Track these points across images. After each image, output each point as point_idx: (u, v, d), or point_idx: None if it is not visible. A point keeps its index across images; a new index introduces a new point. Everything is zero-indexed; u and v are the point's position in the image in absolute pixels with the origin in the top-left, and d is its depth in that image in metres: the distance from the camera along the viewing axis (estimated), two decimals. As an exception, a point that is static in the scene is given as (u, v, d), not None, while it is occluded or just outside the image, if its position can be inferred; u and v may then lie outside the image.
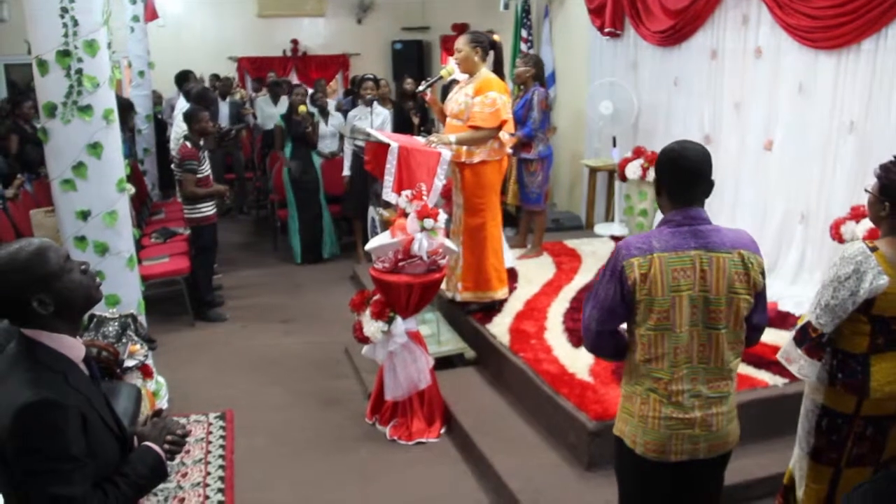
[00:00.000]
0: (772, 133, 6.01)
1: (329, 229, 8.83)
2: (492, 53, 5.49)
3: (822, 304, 2.90)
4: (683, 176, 2.64)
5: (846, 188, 5.35)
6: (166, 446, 2.29)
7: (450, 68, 5.45)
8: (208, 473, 4.54)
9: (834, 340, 2.99)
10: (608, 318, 2.69)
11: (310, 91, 9.48)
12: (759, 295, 2.69)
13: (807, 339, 2.99)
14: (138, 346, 4.67)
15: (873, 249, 2.82)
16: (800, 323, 3.06)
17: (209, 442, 4.88)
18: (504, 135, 5.40)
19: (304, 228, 8.58)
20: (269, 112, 10.38)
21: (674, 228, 2.63)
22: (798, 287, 5.64)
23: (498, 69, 5.51)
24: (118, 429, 2.25)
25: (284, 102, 10.12)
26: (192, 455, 4.72)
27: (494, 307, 5.68)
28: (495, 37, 5.56)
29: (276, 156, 9.36)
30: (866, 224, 4.70)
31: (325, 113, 8.98)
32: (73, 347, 2.15)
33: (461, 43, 5.32)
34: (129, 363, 4.51)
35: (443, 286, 5.53)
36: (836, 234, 5.06)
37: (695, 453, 2.70)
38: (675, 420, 2.66)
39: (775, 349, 3.20)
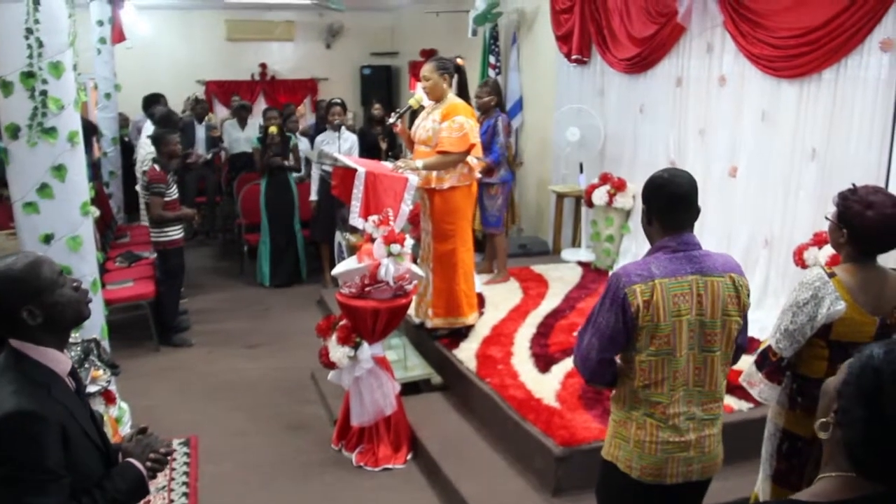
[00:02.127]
0: (736, 160, 6.09)
1: (302, 253, 8.84)
2: (455, 77, 5.52)
3: (782, 328, 2.94)
4: (674, 202, 2.68)
5: (809, 214, 5.42)
6: (149, 464, 2.31)
7: (418, 97, 5.48)
8: (171, 501, 4.48)
9: (794, 365, 3.02)
10: (609, 347, 2.70)
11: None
12: (744, 317, 2.76)
13: (767, 363, 3.02)
14: (101, 372, 4.60)
15: (831, 275, 2.87)
16: (761, 347, 3.09)
17: (173, 468, 4.82)
18: (472, 159, 5.42)
19: (277, 252, 8.56)
20: (236, 136, 10.34)
21: (671, 254, 2.66)
22: (762, 312, 5.67)
23: (463, 93, 5.54)
24: (102, 443, 2.26)
25: (251, 126, 10.11)
26: (156, 482, 4.62)
27: (462, 332, 5.68)
28: (459, 61, 5.59)
29: (245, 179, 9.33)
30: (828, 250, 4.76)
31: (294, 136, 8.97)
32: (59, 361, 2.18)
33: (428, 71, 5.34)
34: (91, 389, 4.44)
35: (411, 311, 5.53)
36: (800, 260, 5.13)
37: (689, 475, 2.74)
38: (672, 444, 2.69)
39: (740, 374, 3.22)
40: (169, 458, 2.40)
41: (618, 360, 2.79)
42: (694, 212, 2.71)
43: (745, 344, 2.85)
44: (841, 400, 1.54)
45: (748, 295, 2.74)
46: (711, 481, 2.89)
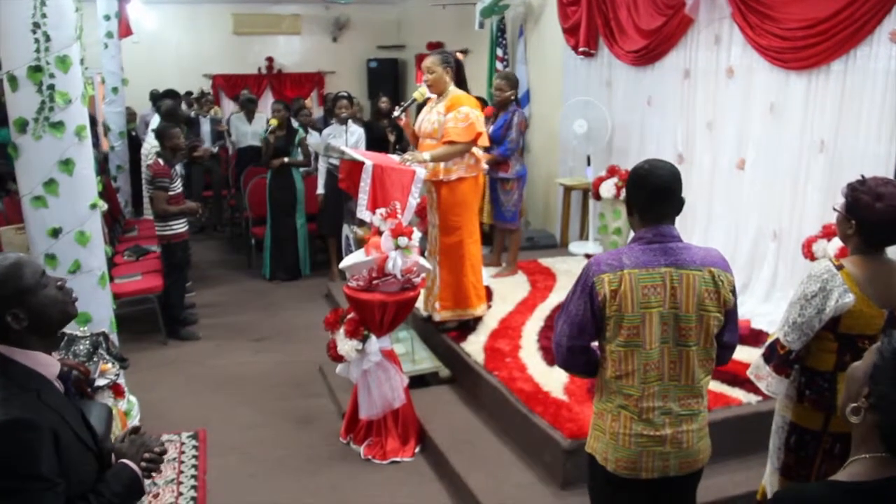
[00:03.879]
0: (744, 152, 6.06)
1: (303, 248, 8.83)
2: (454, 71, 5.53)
3: (790, 321, 2.93)
4: (653, 194, 2.67)
5: (817, 207, 5.40)
6: (143, 464, 2.27)
7: (422, 90, 5.47)
8: (180, 494, 4.49)
9: (802, 358, 3.00)
10: (578, 334, 2.70)
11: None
12: (730, 313, 2.72)
13: (775, 356, 3.01)
14: (109, 365, 4.61)
15: (839, 268, 2.85)
16: (769, 340, 3.09)
17: (181, 462, 4.83)
18: (478, 151, 5.42)
19: (276, 246, 8.58)
20: (244, 130, 10.34)
21: (644, 246, 2.66)
22: (771, 305, 5.68)
23: (462, 86, 5.53)
24: (95, 445, 2.22)
25: (259, 120, 10.11)
26: (164, 475, 4.66)
27: (470, 325, 5.68)
28: (458, 55, 5.62)
29: (252, 173, 9.34)
30: (837, 242, 4.74)
31: (305, 131, 8.98)
32: (48, 364, 2.14)
33: (434, 65, 5.33)
34: (100, 382, 4.46)
35: (419, 304, 5.52)
36: (808, 253, 5.10)
37: (665, 470, 2.71)
38: (646, 437, 2.67)
39: (748, 367, 3.22)
40: (163, 456, 2.36)
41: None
42: (675, 204, 2.70)
43: (733, 342, 2.82)
44: (874, 384, 1.55)
45: (732, 291, 2.69)
46: (701, 477, 2.87)
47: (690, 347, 2.64)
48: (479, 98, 6.37)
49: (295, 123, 8.98)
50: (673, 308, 2.61)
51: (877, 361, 1.56)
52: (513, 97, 6.86)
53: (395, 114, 5.55)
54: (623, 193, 7.16)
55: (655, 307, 2.60)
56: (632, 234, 7.28)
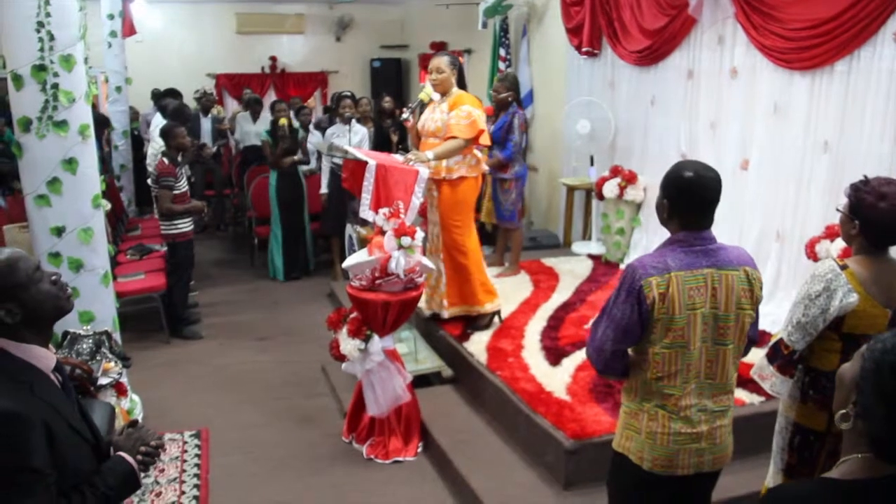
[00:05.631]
0: (747, 152, 6.06)
1: (310, 246, 8.87)
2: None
3: (794, 321, 2.93)
4: (702, 205, 2.68)
5: (821, 207, 5.40)
6: (139, 457, 2.28)
7: (427, 90, 5.48)
8: (183, 493, 4.49)
9: (806, 358, 3.01)
10: (623, 338, 2.69)
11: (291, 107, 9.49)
12: (756, 310, 2.76)
13: (779, 356, 3.01)
14: (112, 364, 4.61)
15: (843, 268, 2.86)
16: (772, 340, 3.08)
17: (184, 461, 4.83)
18: (478, 152, 5.43)
19: (289, 246, 8.60)
20: (248, 129, 10.35)
21: (687, 248, 2.66)
22: (773, 305, 5.66)
23: (462, 87, 5.54)
24: (93, 438, 2.23)
25: (263, 119, 10.12)
26: (167, 474, 4.67)
27: (500, 319, 5.75)
28: (460, 58, 5.68)
29: (255, 172, 9.35)
30: (840, 243, 4.74)
31: (305, 130, 9.00)
32: (43, 357, 2.15)
33: (443, 65, 5.37)
34: (102, 381, 4.46)
35: (421, 304, 5.52)
36: (811, 253, 5.10)
37: (700, 466, 2.76)
38: (684, 435, 2.70)
39: (752, 367, 3.21)
40: (160, 450, 2.37)
41: (630, 351, 2.79)
42: (715, 209, 2.71)
43: (755, 337, 2.86)
44: (859, 395, 1.56)
45: (761, 288, 2.74)
46: (721, 474, 2.90)
47: (728, 346, 2.68)
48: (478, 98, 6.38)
49: (295, 123, 8.99)
50: (713, 308, 2.63)
51: (861, 371, 1.57)
52: (511, 98, 6.84)
53: (404, 116, 5.58)
54: (626, 193, 7.18)
55: (699, 308, 2.62)
56: (634, 234, 7.33)
